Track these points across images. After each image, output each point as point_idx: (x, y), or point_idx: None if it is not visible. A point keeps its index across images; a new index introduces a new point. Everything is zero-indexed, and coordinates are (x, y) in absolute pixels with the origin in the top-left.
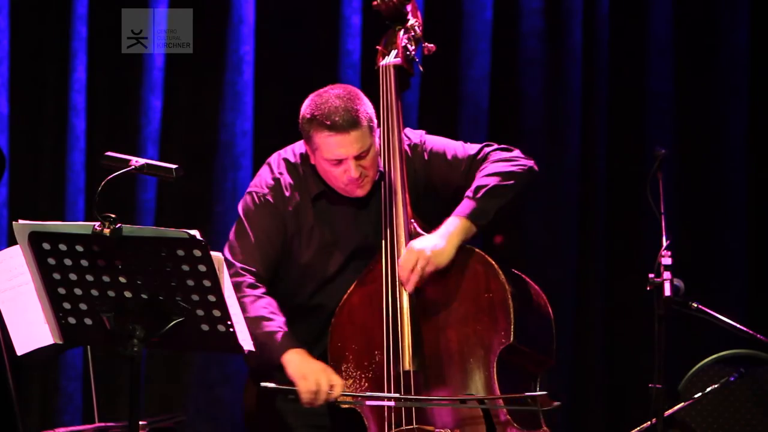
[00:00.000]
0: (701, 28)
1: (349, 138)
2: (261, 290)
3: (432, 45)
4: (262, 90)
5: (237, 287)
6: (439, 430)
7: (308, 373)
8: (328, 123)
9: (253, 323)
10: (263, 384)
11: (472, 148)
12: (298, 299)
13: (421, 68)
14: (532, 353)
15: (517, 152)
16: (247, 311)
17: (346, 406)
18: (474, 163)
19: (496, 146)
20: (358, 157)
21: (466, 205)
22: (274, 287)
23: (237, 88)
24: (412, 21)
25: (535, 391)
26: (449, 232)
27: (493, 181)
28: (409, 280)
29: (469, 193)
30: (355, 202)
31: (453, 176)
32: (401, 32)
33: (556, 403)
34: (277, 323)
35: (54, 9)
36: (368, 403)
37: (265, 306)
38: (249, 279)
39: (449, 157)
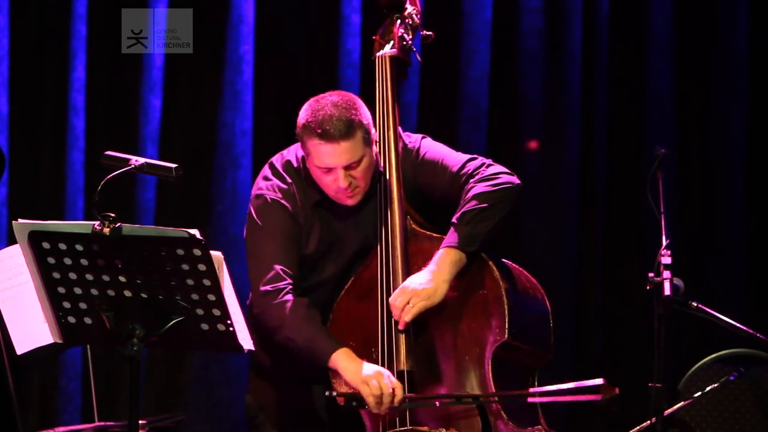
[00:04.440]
0: (701, 27)
1: (339, 148)
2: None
3: (431, 32)
4: (261, 89)
5: (277, 293)
6: (433, 429)
7: (368, 378)
8: (320, 131)
9: (299, 329)
10: (328, 393)
11: (458, 161)
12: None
13: (419, 58)
14: (529, 348)
15: (498, 168)
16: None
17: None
18: (456, 177)
19: (478, 162)
20: (348, 167)
21: (453, 235)
22: None
23: (236, 88)
24: (409, 9)
25: (534, 386)
26: (441, 269)
27: (478, 206)
28: (401, 318)
29: (454, 219)
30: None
31: (438, 184)
32: (398, 21)
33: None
34: (317, 324)
35: (54, 8)
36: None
37: (304, 309)
38: (289, 283)
39: (439, 165)
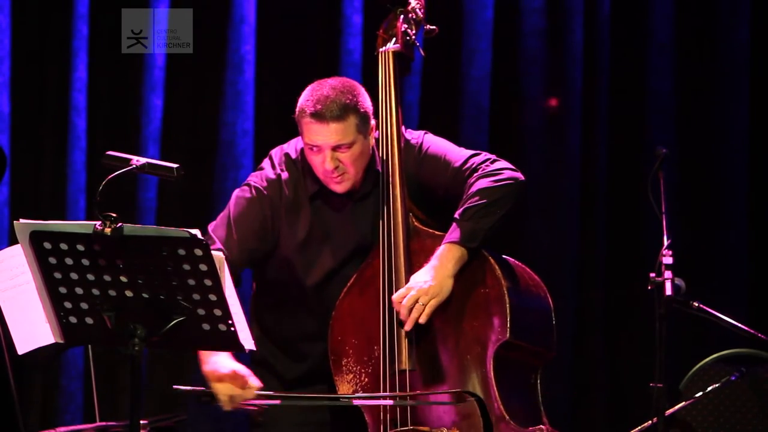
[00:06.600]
0: (702, 27)
1: (328, 128)
2: None
3: (434, 27)
4: (263, 89)
5: None
6: (435, 429)
7: (224, 377)
8: (312, 110)
9: None
10: (175, 387)
11: (461, 156)
12: (297, 297)
13: (422, 52)
14: (532, 347)
15: (502, 164)
16: None
17: (253, 408)
18: (459, 172)
19: (483, 157)
20: (335, 149)
21: (455, 230)
22: (272, 284)
23: (238, 88)
24: (413, 3)
25: (536, 384)
26: (444, 265)
27: (480, 201)
28: (411, 318)
29: (456, 215)
30: (352, 200)
31: (440, 180)
32: (402, 16)
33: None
34: None
35: (55, 8)
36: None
37: None
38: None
39: (442, 160)
